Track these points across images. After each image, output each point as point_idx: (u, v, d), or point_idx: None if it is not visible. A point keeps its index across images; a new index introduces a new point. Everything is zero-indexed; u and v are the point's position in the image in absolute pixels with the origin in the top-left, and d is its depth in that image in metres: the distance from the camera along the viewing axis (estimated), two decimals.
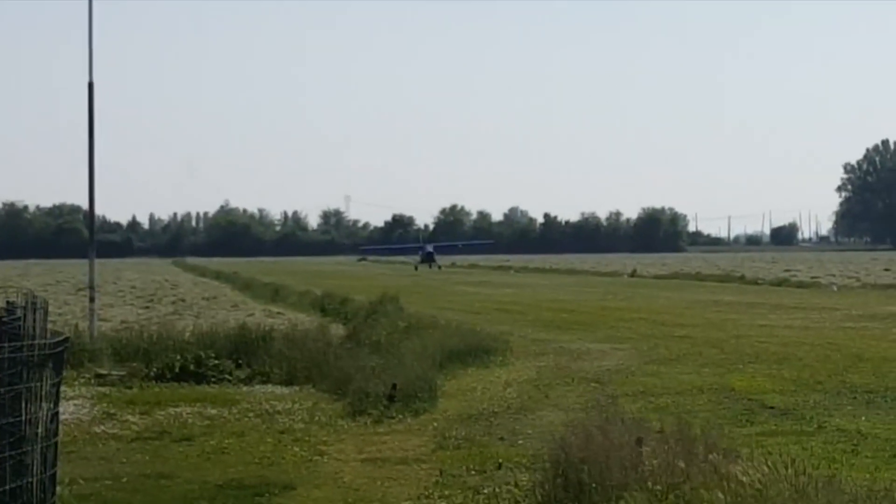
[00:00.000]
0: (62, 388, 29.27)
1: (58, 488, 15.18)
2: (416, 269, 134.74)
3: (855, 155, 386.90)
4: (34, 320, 7.95)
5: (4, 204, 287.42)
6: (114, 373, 33.94)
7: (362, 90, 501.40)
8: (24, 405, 7.61)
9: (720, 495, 13.97)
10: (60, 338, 8.16)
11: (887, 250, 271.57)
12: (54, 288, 74.58)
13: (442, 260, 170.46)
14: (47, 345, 7.82)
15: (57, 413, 8.02)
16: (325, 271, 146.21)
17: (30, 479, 7.53)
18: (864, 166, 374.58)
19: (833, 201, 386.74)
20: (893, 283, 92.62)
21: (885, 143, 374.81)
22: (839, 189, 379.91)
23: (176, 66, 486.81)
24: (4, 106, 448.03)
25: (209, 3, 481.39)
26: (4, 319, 7.67)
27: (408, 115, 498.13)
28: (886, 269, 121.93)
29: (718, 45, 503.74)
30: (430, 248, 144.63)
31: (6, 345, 7.71)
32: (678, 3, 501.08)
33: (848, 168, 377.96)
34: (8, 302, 7.73)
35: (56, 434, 7.96)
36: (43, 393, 7.76)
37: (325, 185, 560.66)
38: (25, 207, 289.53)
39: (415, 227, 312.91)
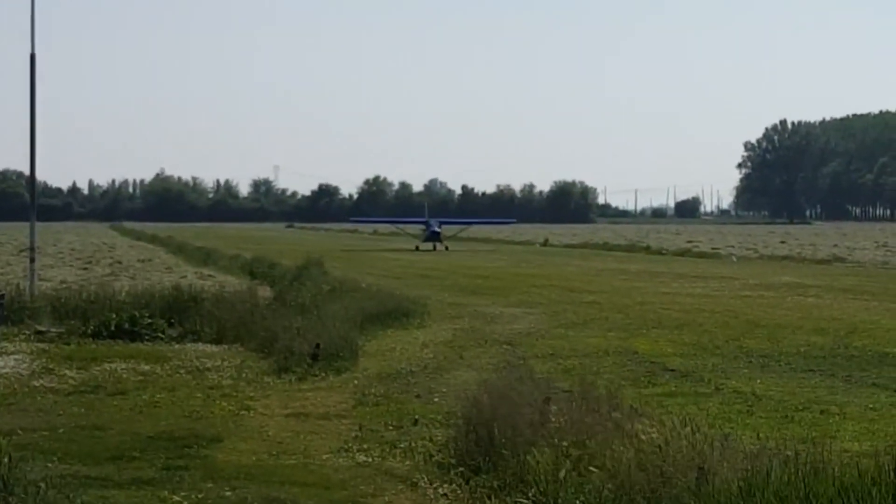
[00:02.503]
0: (6, 343, 29.48)
1: None
2: (416, 248, 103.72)
3: (755, 134, 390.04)
4: None
5: None
6: (52, 330, 34.00)
7: (292, 65, 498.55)
8: None
9: (622, 451, 14.12)
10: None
11: (784, 224, 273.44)
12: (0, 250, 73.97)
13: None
14: None
15: None
16: (254, 237, 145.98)
17: None
18: (764, 144, 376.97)
19: (734, 177, 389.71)
20: (789, 255, 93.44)
21: (783, 122, 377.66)
22: (740, 166, 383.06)
23: (117, 37, 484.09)
24: None
25: None
26: None
27: (335, 90, 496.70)
28: (782, 242, 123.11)
29: (626, 26, 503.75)
30: (436, 225, 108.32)
31: None
32: None
33: (748, 146, 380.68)
34: None
35: None
36: None
37: (255, 156, 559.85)
38: None
39: (339, 197, 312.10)
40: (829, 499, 10.34)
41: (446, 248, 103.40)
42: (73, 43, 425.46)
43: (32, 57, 38.51)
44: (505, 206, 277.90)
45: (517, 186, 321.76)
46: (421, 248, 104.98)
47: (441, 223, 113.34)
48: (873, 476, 10.61)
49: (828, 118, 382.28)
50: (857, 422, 20.07)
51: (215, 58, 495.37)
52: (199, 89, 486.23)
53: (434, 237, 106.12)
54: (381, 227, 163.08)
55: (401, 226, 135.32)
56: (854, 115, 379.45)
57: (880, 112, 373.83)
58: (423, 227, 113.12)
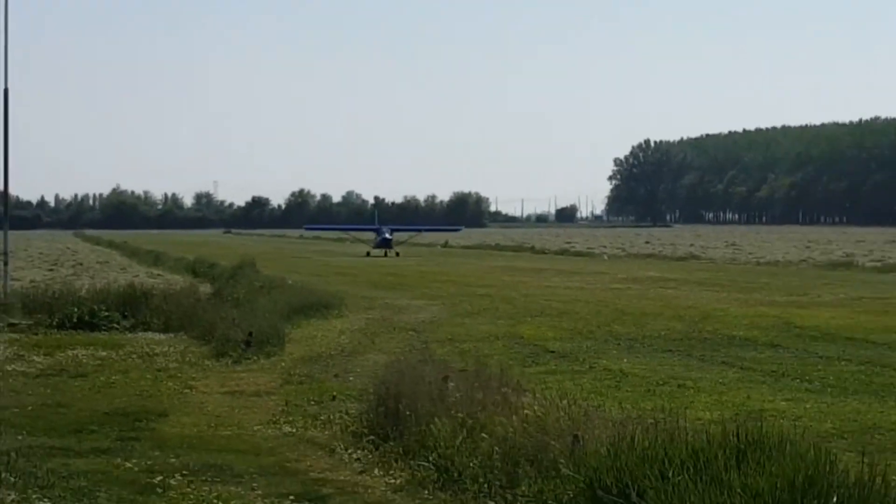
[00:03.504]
0: None
1: None
2: (367, 254, 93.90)
3: (623, 151, 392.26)
4: None
5: None
6: (23, 322, 33.87)
7: (228, 90, 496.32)
8: None
9: (509, 421, 14.17)
10: None
11: (648, 227, 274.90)
12: None
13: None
14: None
15: None
16: (196, 242, 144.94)
17: None
18: (630, 160, 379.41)
19: (605, 188, 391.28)
20: (652, 253, 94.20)
21: (647, 141, 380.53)
22: (610, 178, 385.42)
23: (78, 72, 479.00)
24: None
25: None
26: None
27: (266, 111, 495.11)
28: (647, 242, 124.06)
29: (512, 54, 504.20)
30: (387, 232, 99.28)
31: None
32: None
33: (617, 161, 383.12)
34: None
35: None
36: None
37: (197, 172, 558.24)
38: None
39: (269, 207, 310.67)
40: (683, 461, 10.42)
41: (397, 254, 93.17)
42: (44, 75, 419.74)
43: (6, 91, 38.19)
44: (411, 215, 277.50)
45: (422, 197, 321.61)
46: (372, 253, 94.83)
47: (392, 230, 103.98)
48: (720, 441, 10.72)
49: (684, 138, 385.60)
50: (709, 394, 20.25)
51: (163, 85, 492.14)
52: (149, 113, 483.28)
53: (385, 244, 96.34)
54: (325, 234, 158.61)
55: (352, 232, 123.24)
56: (706, 135, 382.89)
57: (729, 132, 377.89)
58: (374, 233, 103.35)
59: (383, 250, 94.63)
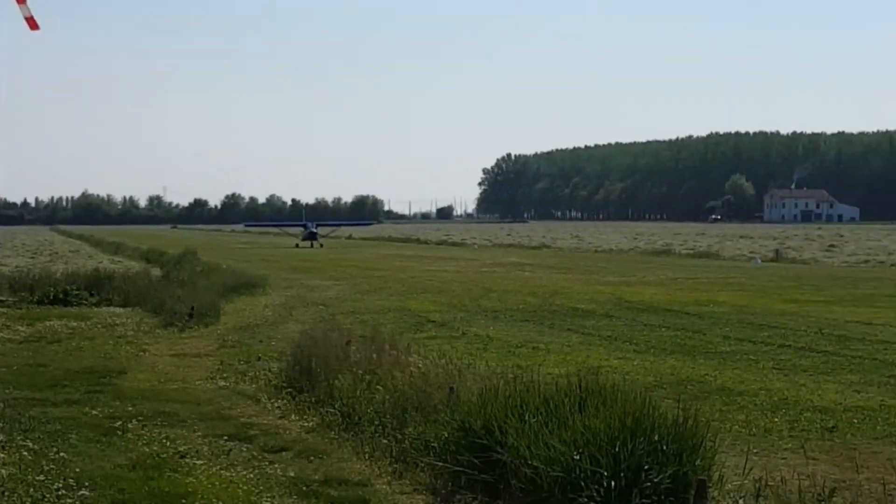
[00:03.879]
0: None
1: None
2: (297, 246, 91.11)
3: (489, 162, 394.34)
4: None
5: None
6: (9, 299, 33.80)
7: (179, 109, 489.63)
8: None
9: (398, 375, 14.25)
10: None
11: (509, 222, 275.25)
12: None
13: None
14: None
15: None
16: (149, 235, 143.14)
17: None
18: (495, 169, 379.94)
19: (476, 191, 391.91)
20: (512, 243, 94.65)
21: (509, 155, 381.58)
22: (480, 184, 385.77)
23: (50, 91, 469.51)
24: None
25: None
26: None
27: (205, 127, 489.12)
28: (508, 235, 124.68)
29: (404, 83, 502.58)
30: (313, 227, 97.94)
31: None
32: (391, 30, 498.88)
33: (485, 171, 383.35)
34: None
35: None
36: None
37: (150, 178, 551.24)
38: None
39: (208, 207, 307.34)
40: (537, 407, 10.50)
41: (321, 245, 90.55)
42: (29, 93, 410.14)
43: None
44: (321, 213, 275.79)
45: (329, 198, 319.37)
46: (301, 245, 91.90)
47: (317, 225, 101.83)
48: (566, 390, 10.82)
49: (538, 152, 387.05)
50: (557, 354, 20.44)
51: (123, 104, 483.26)
52: (111, 128, 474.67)
53: (311, 237, 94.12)
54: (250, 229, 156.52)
55: (285, 228, 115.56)
56: (556, 150, 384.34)
57: (573, 147, 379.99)
58: (302, 228, 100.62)
59: (310, 242, 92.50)
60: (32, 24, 36.41)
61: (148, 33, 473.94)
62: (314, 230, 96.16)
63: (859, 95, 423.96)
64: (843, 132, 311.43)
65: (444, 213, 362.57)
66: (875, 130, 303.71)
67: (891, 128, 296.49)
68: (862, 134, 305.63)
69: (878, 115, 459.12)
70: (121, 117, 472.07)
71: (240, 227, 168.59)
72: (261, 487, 11.09)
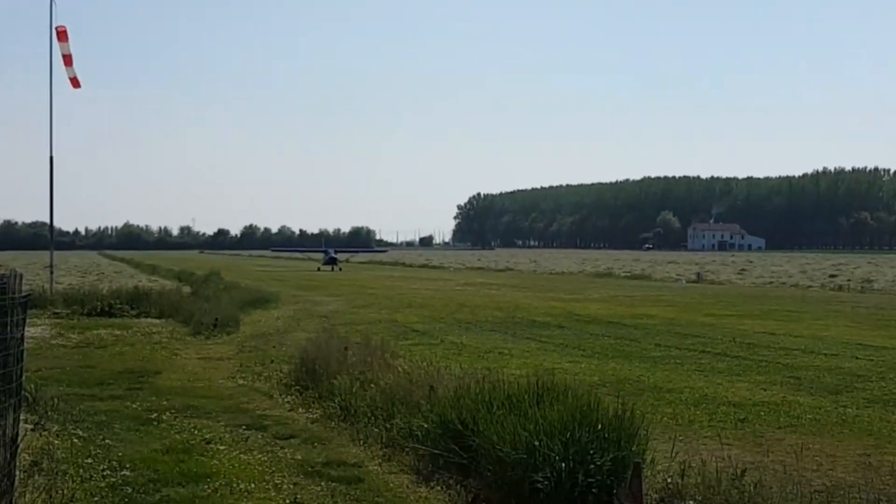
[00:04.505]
0: (36, 320, 28.51)
1: (26, 374, 14.78)
2: (318, 269, 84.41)
3: (463, 199, 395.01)
4: (15, 283, 7.83)
5: (6, 221, 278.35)
6: (63, 311, 33.43)
7: (204, 152, 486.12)
8: (8, 328, 7.47)
9: (388, 376, 14.20)
10: (27, 292, 8.12)
11: (479, 249, 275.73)
12: (33, 267, 71.76)
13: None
14: (20, 296, 7.74)
15: (23, 333, 7.95)
16: (180, 258, 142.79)
17: (10, 368, 7.42)
18: (468, 206, 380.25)
19: (452, 223, 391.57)
20: (481, 267, 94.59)
21: (478, 194, 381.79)
22: (455, 217, 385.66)
23: (101, 138, 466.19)
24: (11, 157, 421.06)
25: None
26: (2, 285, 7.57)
27: (227, 168, 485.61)
28: (478, 259, 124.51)
29: (388, 122, 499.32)
30: (332, 252, 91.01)
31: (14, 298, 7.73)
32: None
33: (459, 207, 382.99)
34: (2, 274, 7.66)
35: (23, 343, 7.86)
36: (17, 321, 7.66)
37: (182, 211, 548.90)
38: (16, 223, 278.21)
39: (229, 236, 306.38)
40: (502, 401, 10.48)
41: (340, 269, 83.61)
42: (79, 141, 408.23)
43: (51, 158, 37.30)
44: (329, 242, 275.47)
45: (330, 229, 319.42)
46: (322, 268, 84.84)
47: (336, 251, 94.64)
48: (526, 388, 10.79)
49: (503, 191, 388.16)
50: (519, 358, 20.37)
51: (155, 146, 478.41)
52: (147, 169, 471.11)
53: (332, 261, 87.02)
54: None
55: (308, 253, 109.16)
56: (517, 190, 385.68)
57: (532, 188, 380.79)
58: (323, 254, 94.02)
59: (331, 266, 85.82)
60: (75, 83, 36.71)
61: (177, 93, 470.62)
62: (334, 255, 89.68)
63: (765, 147, 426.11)
64: (751, 177, 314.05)
65: (426, 242, 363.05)
66: (777, 175, 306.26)
67: (790, 174, 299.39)
68: (767, 178, 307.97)
69: (781, 163, 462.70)
70: (156, 160, 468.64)
71: (257, 252, 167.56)
72: (273, 468, 11.02)
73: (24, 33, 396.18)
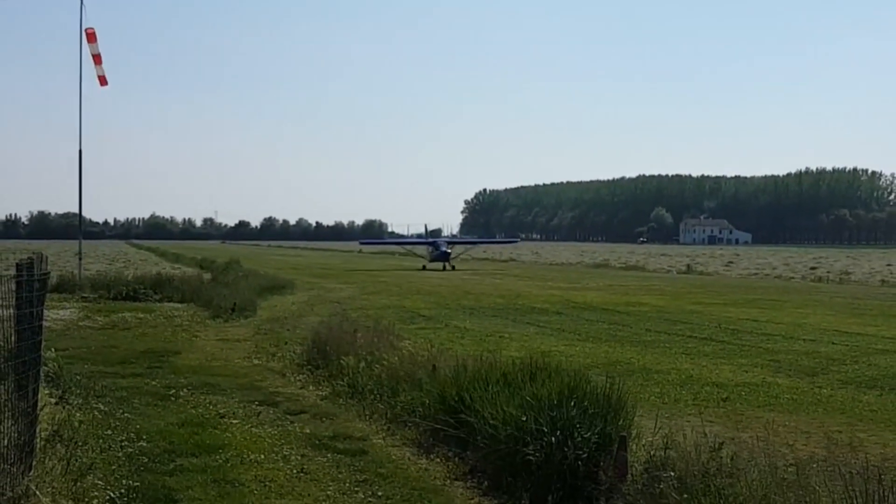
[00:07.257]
0: (64, 303, 28.62)
1: (53, 351, 14.80)
2: (423, 268, 62.00)
3: (470, 195, 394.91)
4: (40, 264, 7.84)
5: (40, 212, 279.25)
6: (91, 296, 33.54)
7: (224, 149, 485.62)
8: (29, 302, 7.50)
9: (394, 356, 14.16)
10: (46, 272, 8.14)
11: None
12: (64, 254, 71.89)
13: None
14: (39, 273, 7.76)
15: (42, 309, 7.99)
16: (202, 248, 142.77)
17: (27, 342, 7.42)
18: (474, 200, 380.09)
19: (459, 217, 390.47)
20: (486, 258, 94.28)
21: (484, 190, 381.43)
22: (463, 212, 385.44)
23: (123, 137, 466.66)
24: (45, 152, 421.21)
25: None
26: (29, 265, 7.58)
27: (248, 163, 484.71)
28: (483, 251, 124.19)
29: (400, 122, 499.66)
30: (445, 246, 65.38)
31: (32, 275, 7.74)
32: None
33: (466, 202, 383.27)
34: (29, 258, 7.67)
35: (41, 318, 7.91)
36: (36, 296, 7.67)
37: (205, 203, 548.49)
38: (50, 214, 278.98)
39: (249, 227, 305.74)
40: (498, 379, 10.47)
41: (453, 268, 61.51)
42: (109, 136, 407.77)
43: (80, 153, 37.23)
44: (340, 233, 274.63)
45: (345, 222, 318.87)
46: (428, 267, 62.57)
47: (449, 243, 70.13)
48: (521, 367, 10.78)
49: (507, 187, 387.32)
50: (518, 342, 20.34)
51: (181, 144, 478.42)
52: (173, 164, 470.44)
53: (443, 257, 63.31)
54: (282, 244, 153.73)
55: (408, 247, 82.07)
56: (521, 186, 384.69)
57: (535, 185, 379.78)
58: (429, 247, 68.09)
59: (442, 264, 62.84)
60: (103, 81, 36.65)
61: (201, 92, 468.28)
62: (447, 250, 65.03)
63: (752, 148, 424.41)
64: (739, 175, 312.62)
65: (435, 234, 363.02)
66: (763, 174, 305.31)
67: (775, 173, 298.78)
68: (753, 177, 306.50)
69: (767, 163, 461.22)
70: (181, 155, 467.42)
71: (275, 242, 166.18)
72: (282, 441, 10.98)
73: (54, 36, 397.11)
